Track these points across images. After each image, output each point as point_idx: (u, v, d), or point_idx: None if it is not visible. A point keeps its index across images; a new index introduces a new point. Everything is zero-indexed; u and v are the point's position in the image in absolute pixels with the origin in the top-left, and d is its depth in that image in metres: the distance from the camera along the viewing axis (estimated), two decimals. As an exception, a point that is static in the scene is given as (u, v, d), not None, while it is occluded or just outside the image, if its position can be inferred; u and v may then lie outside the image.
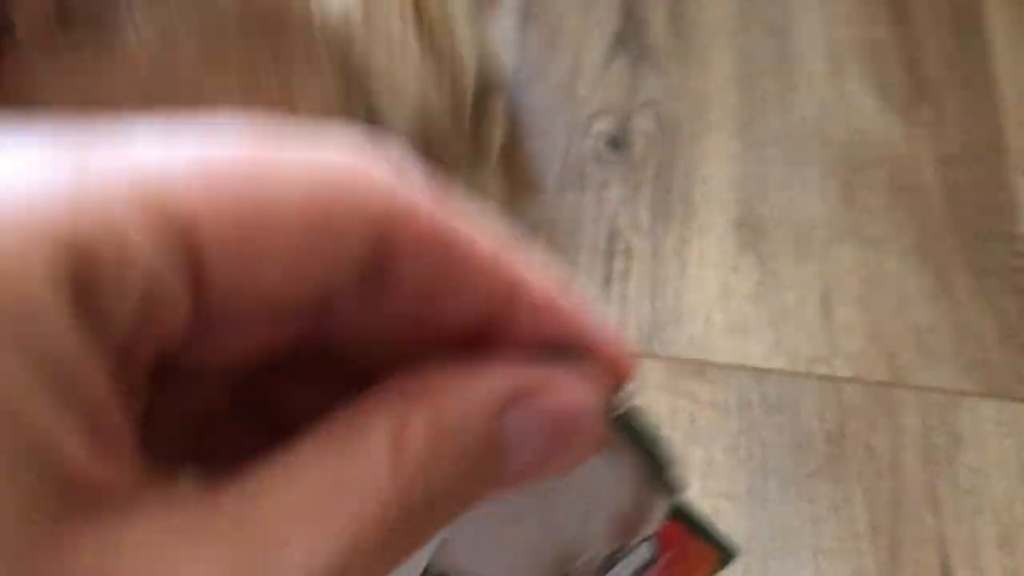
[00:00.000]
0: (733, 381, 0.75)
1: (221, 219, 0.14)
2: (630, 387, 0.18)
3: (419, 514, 0.15)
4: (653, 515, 0.21)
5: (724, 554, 0.22)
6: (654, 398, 0.74)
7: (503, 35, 0.92)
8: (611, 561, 0.22)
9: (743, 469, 0.70)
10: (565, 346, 0.18)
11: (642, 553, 0.22)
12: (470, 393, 0.16)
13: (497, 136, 0.67)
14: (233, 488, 0.14)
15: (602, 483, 0.20)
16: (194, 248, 0.14)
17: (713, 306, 0.79)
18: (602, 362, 0.18)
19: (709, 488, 0.70)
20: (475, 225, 0.16)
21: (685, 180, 0.87)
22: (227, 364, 0.17)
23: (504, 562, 0.20)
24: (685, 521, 0.23)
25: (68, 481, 0.13)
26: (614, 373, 0.18)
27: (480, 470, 0.16)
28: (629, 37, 0.95)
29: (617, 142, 0.90)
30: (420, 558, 0.19)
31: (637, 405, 0.19)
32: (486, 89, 0.62)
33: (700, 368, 0.75)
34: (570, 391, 0.17)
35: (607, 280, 0.80)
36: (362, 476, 0.14)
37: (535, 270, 0.17)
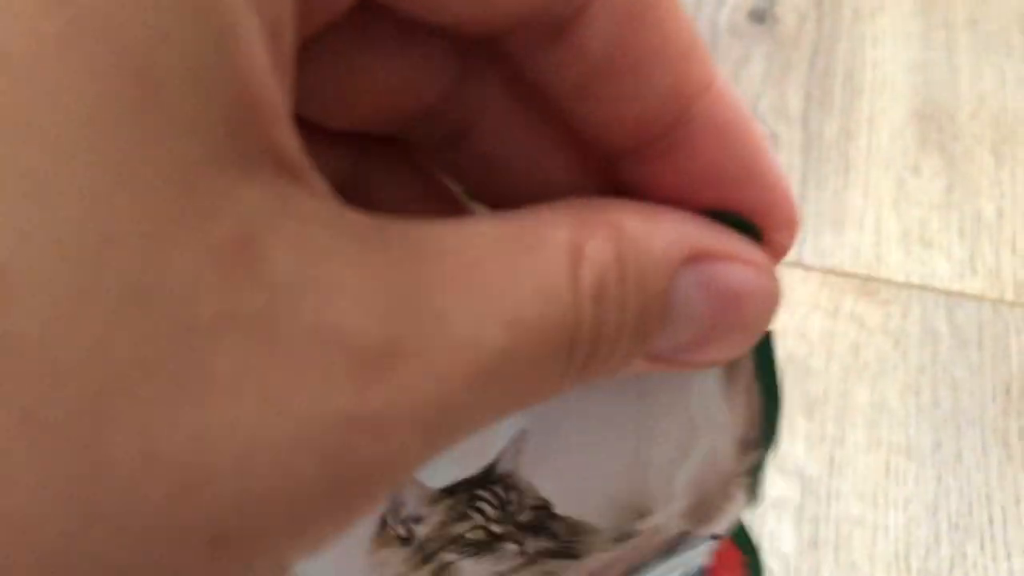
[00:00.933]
0: (914, 305, 0.56)
1: None
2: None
3: (579, 349, 0.12)
4: (731, 505, 0.18)
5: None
6: (803, 318, 0.55)
7: None
8: (670, 547, 0.18)
9: (927, 419, 0.52)
10: (734, 197, 0.14)
11: (695, 558, 0.19)
12: (654, 235, 0.13)
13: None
14: (395, 225, 0.12)
15: (705, 416, 0.16)
16: None
17: (885, 212, 0.60)
18: (772, 231, 0.15)
19: (879, 438, 0.51)
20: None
21: (849, 62, 0.68)
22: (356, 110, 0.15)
23: (573, 485, 0.16)
24: (742, 543, 0.21)
25: (242, 102, 0.10)
26: (777, 253, 0.15)
27: (644, 329, 0.13)
28: None
29: (761, 15, 0.71)
30: (497, 439, 0.16)
31: (774, 328, 0.15)
32: None
33: (868, 285, 0.57)
34: (747, 266, 0.14)
35: (744, 172, 0.62)
36: (539, 274, 0.12)
37: (722, 81, 0.14)
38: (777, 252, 0.15)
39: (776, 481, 0.50)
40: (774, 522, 0.48)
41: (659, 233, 0.13)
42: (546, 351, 0.12)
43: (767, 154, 0.14)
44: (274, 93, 0.10)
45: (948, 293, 0.56)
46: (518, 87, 0.15)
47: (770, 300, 0.14)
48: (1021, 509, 0.49)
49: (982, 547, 0.48)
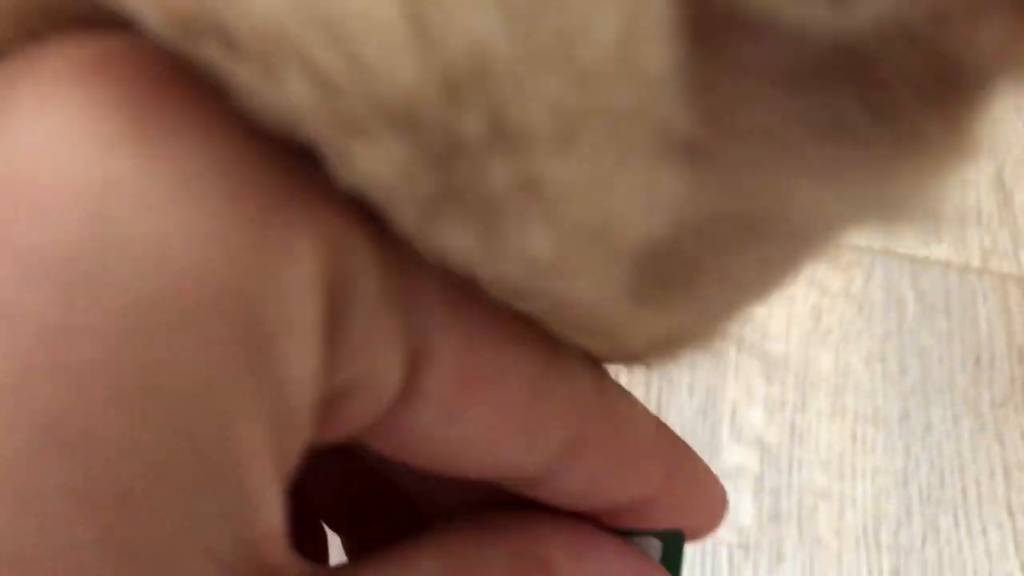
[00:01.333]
0: (877, 270, 0.52)
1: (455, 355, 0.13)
2: None
3: None
4: None
5: None
6: (762, 281, 0.51)
7: None
8: None
9: (894, 387, 0.48)
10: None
11: None
12: (579, 572, 0.16)
13: None
14: None
15: None
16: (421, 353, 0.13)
17: (844, 176, 0.57)
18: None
19: (844, 406, 0.47)
20: (638, 414, 0.16)
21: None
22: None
23: None
24: None
25: (259, 563, 0.11)
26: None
27: None
28: None
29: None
30: None
31: None
32: None
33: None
34: None
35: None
36: None
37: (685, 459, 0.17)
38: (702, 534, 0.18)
39: (733, 449, 0.45)
40: (731, 493, 0.44)
41: (586, 570, 0.16)
42: None
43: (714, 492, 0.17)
44: (284, 556, 0.12)
45: (912, 259, 0.53)
46: None
47: None
48: (996, 482, 0.45)
49: (956, 521, 0.44)
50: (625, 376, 0.16)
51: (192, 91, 0.11)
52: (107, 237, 0.10)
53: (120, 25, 0.11)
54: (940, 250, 0.53)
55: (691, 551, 0.42)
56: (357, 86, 0.10)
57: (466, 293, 0.13)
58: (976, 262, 0.52)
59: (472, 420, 0.13)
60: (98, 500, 0.10)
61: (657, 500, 0.16)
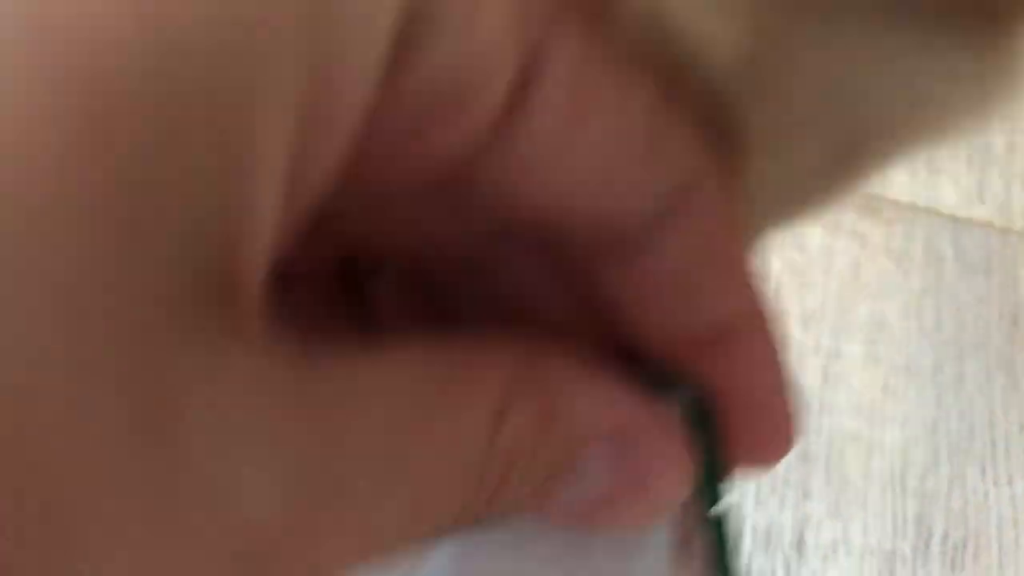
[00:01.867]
0: (919, 227, 0.52)
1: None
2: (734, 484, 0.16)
3: (475, 505, 0.13)
4: None
5: None
6: (801, 231, 0.51)
7: None
8: None
9: (928, 340, 0.48)
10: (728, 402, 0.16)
11: None
12: (582, 405, 0.14)
13: None
14: (321, 372, 0.12)
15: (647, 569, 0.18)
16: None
17: (891, 135, 0.57)
18: (752, 441, 0.16)
19: (877, 354, 0.48)
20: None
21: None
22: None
23: None
24: None
25: (220, 269, 0.11)
26: (755, 455, 0.16)
27: (547, 488, 0.14)
28: None
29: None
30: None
31: (731, 508, 0.16)
32: None
33: (871, 204, 0.53)
34: (663, 454, 0.15)
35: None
36: (456, 442, 0.13)
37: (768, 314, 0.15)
38: (758, 456, 0.16)
39: (766, 390, 0.46)
40: (761, 432, 0.45)
41: (586, 405, 0.14)
42: (443, 514, 0.13)
43: (780, 392, 0.15)
44: (253, 260, 0.11)
45: (955, 219, 0.53)
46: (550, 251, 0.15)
47: (674, 488, 0.15)
48: (1025, 436, 0.45)
49: (983, 472, 0.44)
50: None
51: None
52: None
53: None
54: (983, 211, 0.53)
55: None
56: None
57: (586, 22, 0.12)
58: (1019, 225, 0.53)
59: (586, 146, 0.13)
60: (104, 158, 0.09)
61: (733, 344, 0.15)
